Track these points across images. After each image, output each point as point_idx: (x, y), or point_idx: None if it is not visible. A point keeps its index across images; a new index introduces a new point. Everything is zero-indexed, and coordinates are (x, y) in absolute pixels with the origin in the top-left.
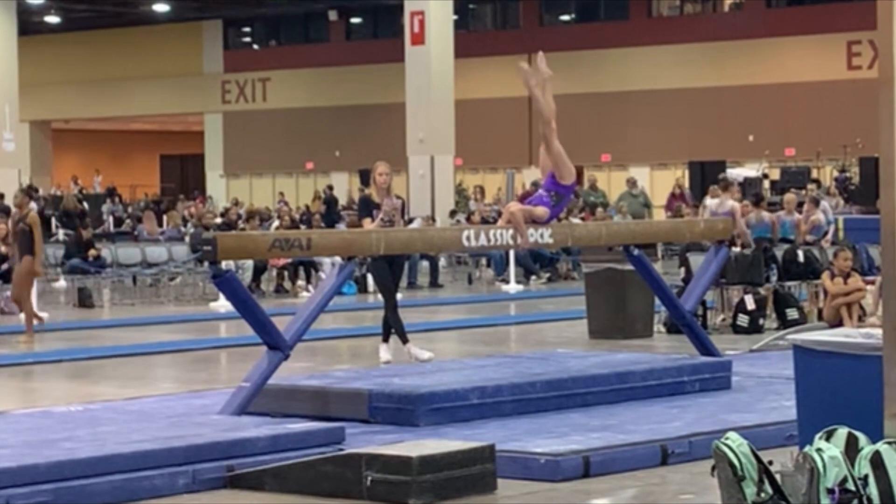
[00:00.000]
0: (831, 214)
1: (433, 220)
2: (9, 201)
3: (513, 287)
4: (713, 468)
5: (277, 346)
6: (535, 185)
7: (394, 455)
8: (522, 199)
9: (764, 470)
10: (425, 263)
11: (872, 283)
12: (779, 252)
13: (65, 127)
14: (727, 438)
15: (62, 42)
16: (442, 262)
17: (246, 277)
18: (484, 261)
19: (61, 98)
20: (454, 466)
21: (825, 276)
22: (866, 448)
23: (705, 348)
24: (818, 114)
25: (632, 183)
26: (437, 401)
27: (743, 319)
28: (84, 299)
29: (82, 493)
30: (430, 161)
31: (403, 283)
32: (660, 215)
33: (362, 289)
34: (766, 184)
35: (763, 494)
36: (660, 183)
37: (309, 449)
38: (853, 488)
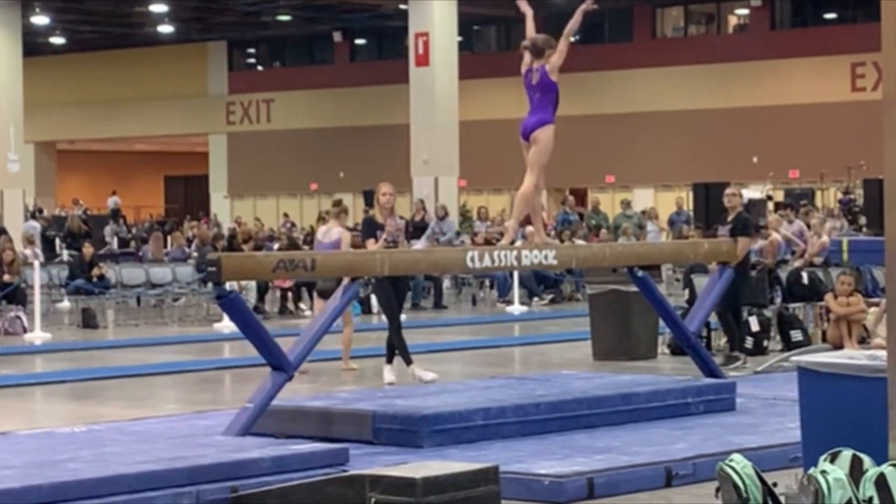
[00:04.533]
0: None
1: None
2: (12, 224)
3: (516, 308)
4: (717, 490)
5: (281, 367)
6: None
7: (398, 476)
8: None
9: (768, 492)
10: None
11: (877, 304)
12: (783, 274)
13: (69, 148)
14: (731, 460)
15: (67, 63)
16: (446, 283)
17: (249, 298)
18: (487, 282)
19: (66, 119)
20: (458, 488)
21: (828, 296)
22: (871, 470)
23: (709, 370)
24: (822, 135)
25: (626, 204)
26: (441, 422)
27: (747, 341)
28: (88, 320)
29: None
30: (434, 182)
31: (407, 304)
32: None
33: (366, 310)
34: (771, 205)
35: None
36: (663, 204)
37: (313, 470)
38: None
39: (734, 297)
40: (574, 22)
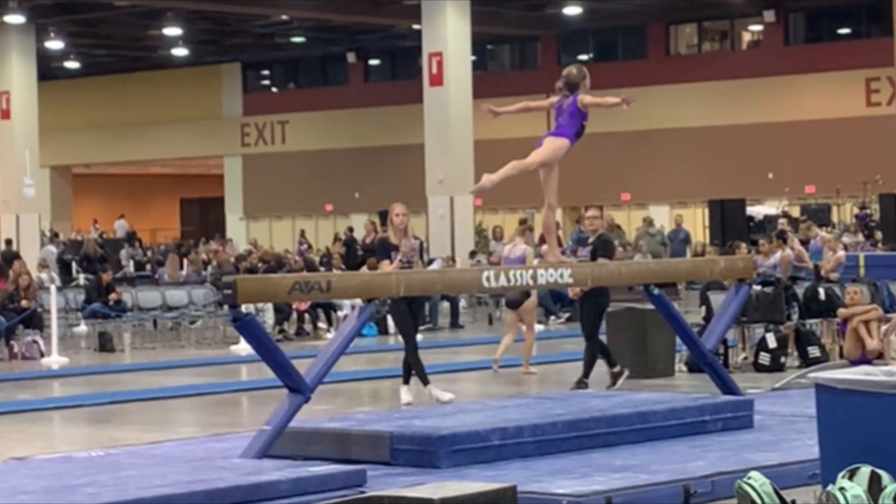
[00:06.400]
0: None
1: (453, 260)
2: (29, 248)
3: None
4: None
5: (298, 389)
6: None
7: (416, 497)
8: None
9: None
10: (446, 304)
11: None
12: (800, 290)
13: (85, 171)
14: (750, 478)
15: (82, 87)
16: (462, 302)
17: (265, 320)
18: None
19: (81, 143)
20: None
21: (841, 311)
22: (889, 486)
23: (727, 387)
24: (837, 151)
25: (648, 222)
26: (459, 442)
27: (764, 358)
28: (105, 343)
29: None
30: (449, 202)
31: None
32: None
33: (383, 330)
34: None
35: None
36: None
37: (330, 492)
38: None
39: (594, 324)
40: (608, 103)
